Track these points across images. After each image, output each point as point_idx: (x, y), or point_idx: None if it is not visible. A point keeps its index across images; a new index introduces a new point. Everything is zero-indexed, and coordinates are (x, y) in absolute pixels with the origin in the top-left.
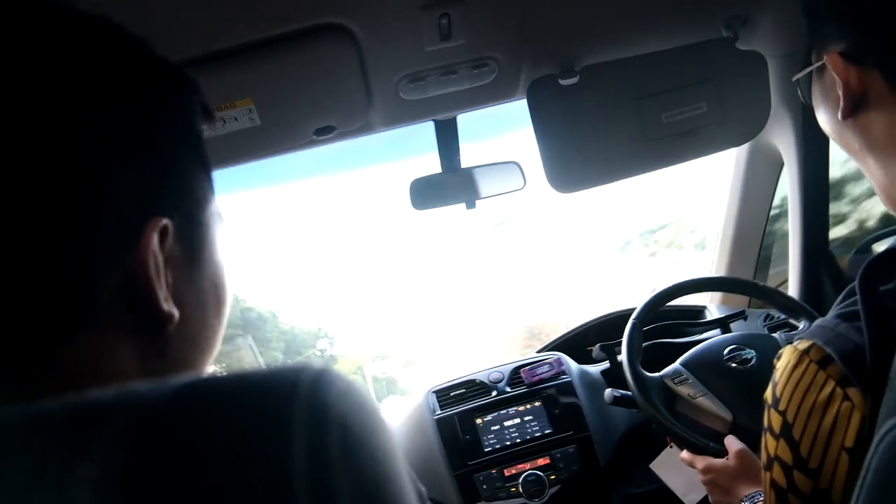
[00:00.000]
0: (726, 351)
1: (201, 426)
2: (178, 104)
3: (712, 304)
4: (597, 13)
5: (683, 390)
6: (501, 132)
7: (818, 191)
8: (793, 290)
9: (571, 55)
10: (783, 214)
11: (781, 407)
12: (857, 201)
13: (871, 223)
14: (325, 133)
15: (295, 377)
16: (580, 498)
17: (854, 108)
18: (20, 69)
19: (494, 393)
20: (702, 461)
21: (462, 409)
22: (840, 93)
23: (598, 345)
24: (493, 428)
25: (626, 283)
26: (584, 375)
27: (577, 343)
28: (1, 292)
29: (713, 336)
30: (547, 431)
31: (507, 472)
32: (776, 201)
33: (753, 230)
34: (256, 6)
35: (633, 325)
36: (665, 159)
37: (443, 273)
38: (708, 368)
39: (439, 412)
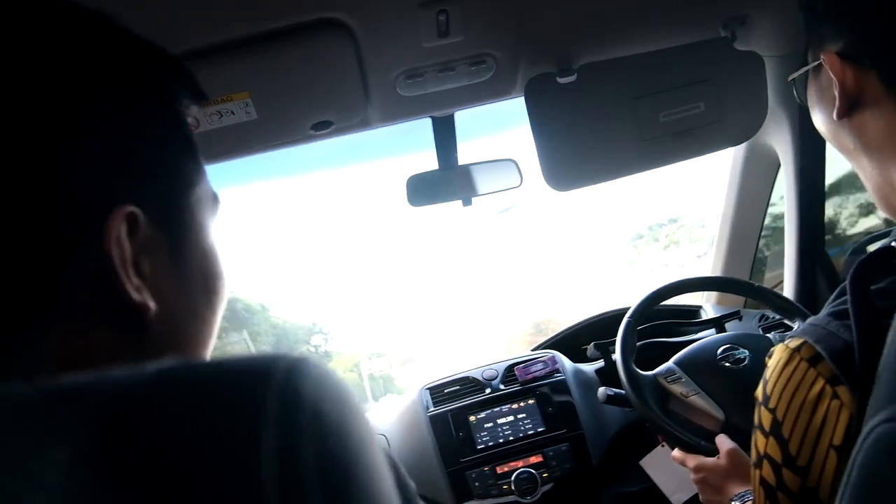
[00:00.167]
0: (720, 350)
1: (173, 411)
2: (150, 84)
3: (708, 304)
4: (595, 12)
5: (676, 389)
6: (499, 129)
7: (814, 191)
8: (788, 290)
9: (569, 53)
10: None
11: (771, 405)
12: None
13: None
14: (322, 128)
15: (270, 364)
16: (572, 496)
17: (850, 109)
18: None
19: (488, 390)
20: (693, 460)
21: (456, 406)
22: (836, 93)
23: (592, 343)
24: (486, 425)
25: (635, 278)
26: (579, 374)
27: (571, 341)
28: None
29: (708, 335)
30: (540, 429)
31: (499, 470)
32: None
33: (750, 230)
34: (254, 1)
35: (628, 323)
36: (662, 158)
37: (442, 268)
38: (701, 367)
39: (433, 409)
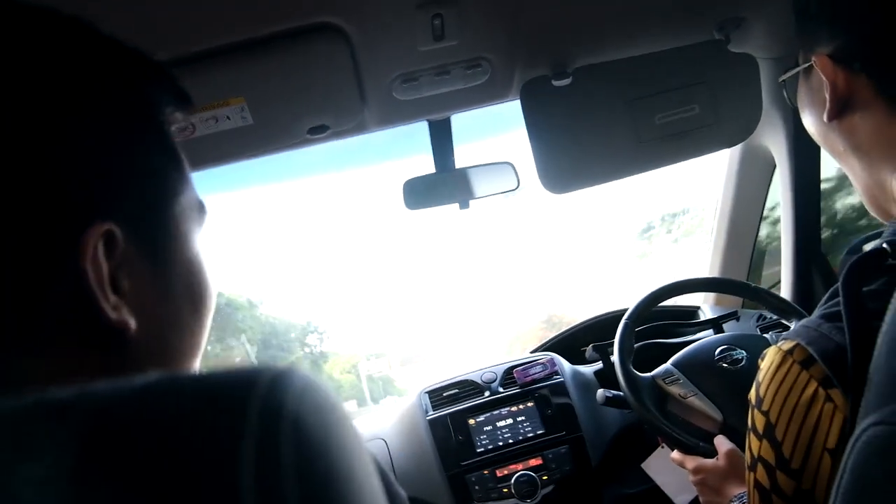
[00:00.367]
0: (717, 351)
1: (156, 425)
2: (129, 92)
3: (706, 305)
4: (590, 15)
5: (674, 390)
6: (496, 132)
7: (810, 192)
8: (785, 290)
9: (565, 56)
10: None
11: (765, 407)
12: None
13: None
14: (318, 132)
15: (254, 376)
16: (572, 498)
17: (840, 111)
18: None
19: (487, 393)
20: (692, 461)
21: (455, 409)
22: (827, 95)
23: (591, 345)
24: (485, 428)
25: (647, 270)
26: (577, 376)
27: (570, 343)
28: None
29: (706, 336)
30: (539, 432)
31: (499, 473)
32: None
33: (746, 231)
34: (249, 5)
35: (625, 325)
36: (657, 160)
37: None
38: (699, 368)
39: (432, 413)
